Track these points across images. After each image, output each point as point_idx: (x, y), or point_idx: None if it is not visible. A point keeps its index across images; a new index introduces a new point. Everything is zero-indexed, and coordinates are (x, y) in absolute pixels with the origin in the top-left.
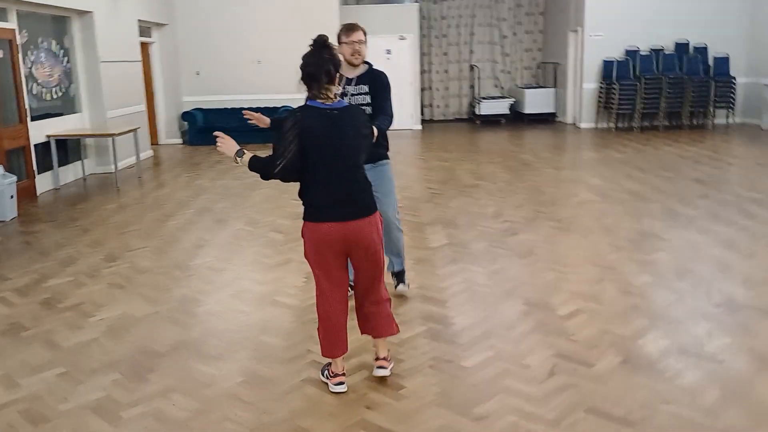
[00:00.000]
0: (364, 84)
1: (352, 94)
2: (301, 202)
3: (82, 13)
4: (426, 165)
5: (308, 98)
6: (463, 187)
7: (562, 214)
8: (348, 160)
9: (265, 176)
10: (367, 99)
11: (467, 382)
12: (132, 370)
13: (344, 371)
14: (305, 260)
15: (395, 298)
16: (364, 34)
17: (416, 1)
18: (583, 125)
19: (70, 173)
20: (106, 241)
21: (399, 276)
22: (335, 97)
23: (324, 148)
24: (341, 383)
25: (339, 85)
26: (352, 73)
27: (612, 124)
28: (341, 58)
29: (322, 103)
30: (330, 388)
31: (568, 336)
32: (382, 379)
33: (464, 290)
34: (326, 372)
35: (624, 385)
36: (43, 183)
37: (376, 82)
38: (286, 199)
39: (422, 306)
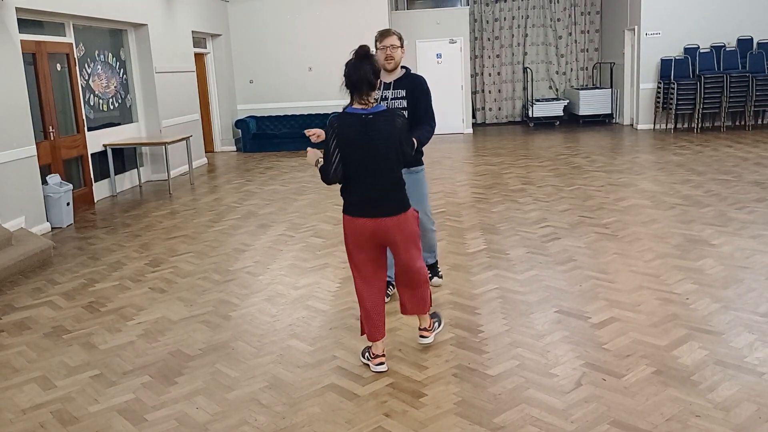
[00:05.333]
0: (402, 89)
1: (391, 99)
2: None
3: (137, 26)
4: (473, 170)
5: (348, 105)
6: (508, 191)
7: (608, 220)
8: (381, 162)
9: (325, 182)
10: (404, 103)
11: (489, 392)
12: (161, 373)
13: (384, 353)
14: (342, 264)
15: None
16: (400, 39)
17: (467, 4)
18: (641, 127)
19: (126, 181)
20: (154, 246)
21: (432, 269)
22: (373, 102)
23: (358, 151)
24: (381, 363)
25: (378, 90)
26: (389, 78)
27: (671, 125)
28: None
29: (362, 108)
30: (371, 368)
31: (599, 345)
32: (404, 386)
33: (497, 297)
34: (367, 354)
35: (654, 398)
36: (101, 190)
37: (416, 88)
38: (328, 204)
39: (452, 312)
